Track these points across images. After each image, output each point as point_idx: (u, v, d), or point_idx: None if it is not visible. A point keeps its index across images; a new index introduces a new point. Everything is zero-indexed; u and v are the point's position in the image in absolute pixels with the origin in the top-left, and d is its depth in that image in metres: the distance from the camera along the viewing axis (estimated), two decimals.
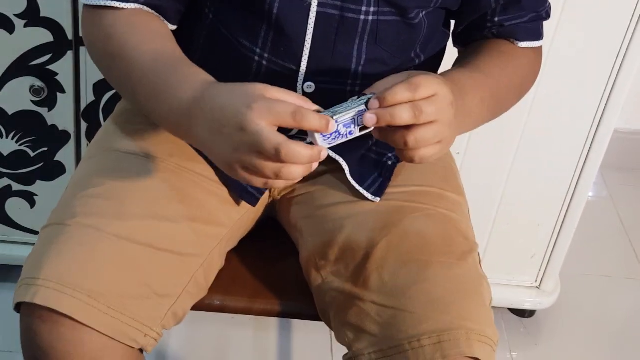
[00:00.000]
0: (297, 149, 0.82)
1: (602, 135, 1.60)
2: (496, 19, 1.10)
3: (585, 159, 1.63)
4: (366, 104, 0.88)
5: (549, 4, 1.13)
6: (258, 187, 0.89)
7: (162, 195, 1.05)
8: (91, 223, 0.99)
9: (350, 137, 0.89)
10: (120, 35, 1.00)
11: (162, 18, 1.05)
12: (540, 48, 1.15)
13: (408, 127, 0.89)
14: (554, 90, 1.55)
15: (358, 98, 0.89)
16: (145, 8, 1.03)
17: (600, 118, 1.58)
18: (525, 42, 1.11)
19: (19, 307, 0.97)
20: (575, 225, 1.71)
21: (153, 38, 1.01)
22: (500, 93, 1.08)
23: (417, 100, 0.88)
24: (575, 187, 1.66)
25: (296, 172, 0.85)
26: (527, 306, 1.83)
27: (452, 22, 1.16)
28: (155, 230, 1.02)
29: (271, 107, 0.84)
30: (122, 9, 1.01)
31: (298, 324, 1.73)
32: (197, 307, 1.08)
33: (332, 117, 0.86)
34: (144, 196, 1.04)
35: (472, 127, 1.05)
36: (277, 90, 0.87)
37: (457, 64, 1.12)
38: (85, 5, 1.04)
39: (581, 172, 1.64)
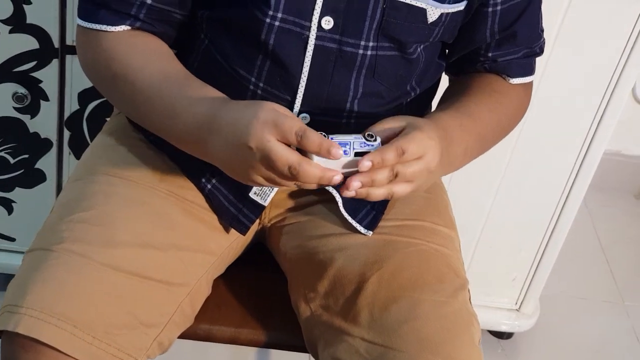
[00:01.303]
0: (310, 170, 0.87)
1: (590, 161, 1.60)
2: (489, 54, 1.09)
3: (572, 185, 1.62)
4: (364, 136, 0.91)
5: (543, 39, 1.12)
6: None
7: (150, 223, 1.03)
8: (78, 250, 0.97)
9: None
10: (122, 56, 0.99)
11: None
12: (531, 83, 1.15)
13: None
14: (543, 115, 1.54)
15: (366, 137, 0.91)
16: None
17: (589, 144, 1.58)
18: (516, 79, 1.11)
19: (0, 333, 0.95)
20: (558, 250, 1.71)
21: (156, 58, 1.00)
22: (487, 137, 1.07)
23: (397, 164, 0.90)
24: (560, 213, 1.66)
25: (311, 187, 0.90)
26: (506, 328, 1.82)
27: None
28: (143, 258, 1.00)
29: (277, 122, 0.87)
30: (114, 32, 1.00)
31: None
32: (182, 336, 1.06)
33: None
34: (132, 223, 1.01)
35: (449, 172, 1.05)
36: (286, 110, 0.90)
37: (448, 99, 1.10)
38: (80, 26, 1.02)
39: (567, 198, 1.64)
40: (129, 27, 1.00)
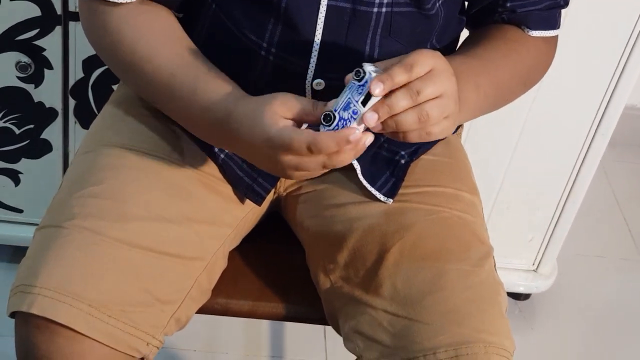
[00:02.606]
0: (325, 139, 0.82)
1: (610, 117, 1.56)
2: (508, 4, 1.04)
3: (591, 142, 1.59)
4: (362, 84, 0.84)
5: None
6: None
7: (164, 195, 0.99)
8: (90, 226, 0.94)
9: (357, 116, 0.84)
10: (130, 41, 0.95)
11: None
12: (554, 38, 1.09)
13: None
14: (561, 69, 1.49)
15: (355, 76, 0.85)
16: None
17: (609, 99, 1.53)
18: (537, 32, 1.06)
19: (13, 314, 0.92)
20: (576, 209, 1.68)
21: (165, 44, 0.96)
22: (501, 81, 1.02)
23: (412, 82, 0.84)
24: (579, 171, 1.63)
25: (343, 160, 0.85)
26: (523, 290, 1.80)
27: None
28: (157, 233, 0.97)
29: (290, 140, 0.84)
30: (120, 4, 0.95)
31: None
32: (198, 311, 1.04)
33: (335, 112, 0.84)
34: (145, 196, 0.98)
35: (472, 114, 1.01)
36: (287, 107, 0.86)
37: (458, 49, 1.07)
38: None
39: (585, 156, 1.60)
40: None
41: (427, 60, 0.85)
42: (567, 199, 1.67)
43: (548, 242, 1.74)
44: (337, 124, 0.84)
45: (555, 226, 1.71)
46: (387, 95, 0.84)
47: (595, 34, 1.47)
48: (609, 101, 1.54)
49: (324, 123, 0.84)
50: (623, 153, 2.36)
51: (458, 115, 0.90)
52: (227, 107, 0.90)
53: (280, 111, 0.86)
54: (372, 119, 0.83)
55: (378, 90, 0.83)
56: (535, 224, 1.71)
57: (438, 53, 0.87)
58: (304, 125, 0.87)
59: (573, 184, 1.64)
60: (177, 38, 0.97)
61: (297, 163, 0.85)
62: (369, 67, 0.85)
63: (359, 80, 0.84)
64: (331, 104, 0.85)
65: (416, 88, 0.84)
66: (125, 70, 0.98)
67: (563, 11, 1.38)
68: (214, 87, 0.92)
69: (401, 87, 0.84)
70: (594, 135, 1.58)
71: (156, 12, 0.98)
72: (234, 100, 0.90)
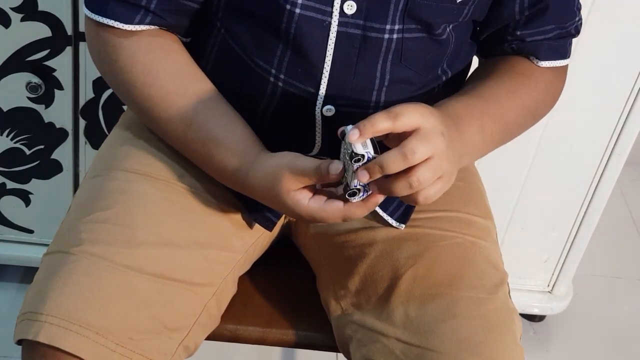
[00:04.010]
0: (358, 211, 0.88)
1: (626, 136, 1.53)
2: (517, 33, 1.02)
3: (607, 162, 1.57)
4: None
5: (579, 18, 1.05)
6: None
7: (173, 221, 0.98)
8: (98, 252, 0.93)
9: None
10: (141, 85, 0.96)
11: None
12: (564, 67, 1.07)
13: (404, 172, 0.84)
14: (577, 89, 1.48)
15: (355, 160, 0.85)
16: (152, 27, 0.96)
17: (626, 118, 1.52)
18: (546, 62, 1.04)
19: (20, 341, 0.91)
20: (592, 230, 1.66)
21: (177, 90, 0.96)
22: (507, 119, 1.01)
23: (405, 143, 0.83)
24: (595, 191, 1.61)
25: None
26: (538, 311, 1.78)
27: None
28: (166, 259, 0.95)
29: (322, 218, 0.89)
30: (130, 35, 0.95)
31: None
32: (207, 337, 1.02)
33: (357, 187, 0.86)
34: (154, 221, 0.97)
35: (477, 155, 1.00)
36: (297, 179, 0.88)
37: (465, 85, 1.05)
38: (88, 17, 0.97)
39: (601, 176, 1.59)
40: (139, 27, 0.95)
41: (414, 115, 0.84)
42: (583, 219, 1.65)
43: (563, 262, 1.72)
44: (363, 193, 0.86)
45: (570, 247, 1.69)
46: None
47: (610, 52, 1.45)
48: (625, 120, 1.52)
49: (350, 198, 0.86)
50: (639, 171, 2.34)
51: (454, 172, 0.89)
52: (242, 176, 0.94)
53: (292, 186, 0.88)
54: (364, 177, 0.84)
55: (355, 137, 0.82)
56: (550, 245, 1.69)
57: (427, 110, 0.86)
58: None
59: (589, 204, 1.63)
60: (189, 82, 0.97)
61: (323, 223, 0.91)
62: (354, 137, 0.83)
63: (354, 157, 0.84)
64: (337, 169, 0.85)
65: (411, 148, 0.82)
66: (138, 112, 1.00)
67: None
68: (226, 154, 0.95)
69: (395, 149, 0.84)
70: (610, 155, 1.56)
71: (166, 46, 0.97)
72: (246, 170, 0.93)
